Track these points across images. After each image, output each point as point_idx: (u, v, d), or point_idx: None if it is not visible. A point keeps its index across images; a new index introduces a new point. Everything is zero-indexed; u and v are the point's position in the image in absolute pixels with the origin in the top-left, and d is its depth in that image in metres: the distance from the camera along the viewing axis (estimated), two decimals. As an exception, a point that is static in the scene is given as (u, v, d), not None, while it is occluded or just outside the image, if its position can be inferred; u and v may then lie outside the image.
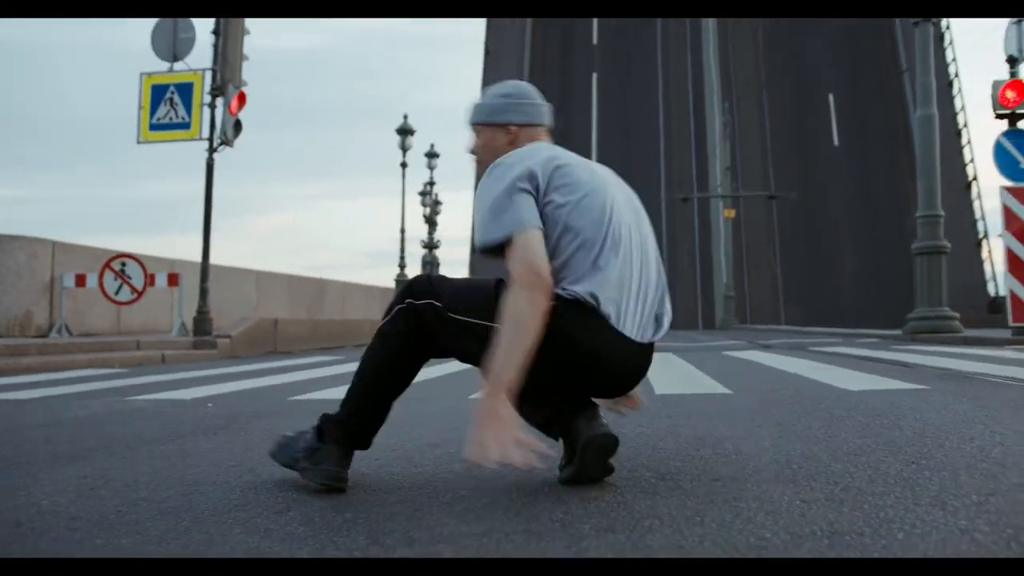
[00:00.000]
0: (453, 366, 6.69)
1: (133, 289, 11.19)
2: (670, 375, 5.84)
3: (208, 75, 11.92)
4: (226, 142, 11.88)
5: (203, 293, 11.27)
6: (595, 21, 37.17)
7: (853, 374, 5.57)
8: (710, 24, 35.81)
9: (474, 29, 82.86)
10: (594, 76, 37.83)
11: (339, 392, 4.94)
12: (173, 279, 11.58)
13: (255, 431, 3.36)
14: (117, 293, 11.20)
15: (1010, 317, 9.66)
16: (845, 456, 2.43)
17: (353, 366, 2.25)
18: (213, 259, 11.71)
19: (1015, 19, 11.02)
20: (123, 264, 11.24)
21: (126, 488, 2.19)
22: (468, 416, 2.16)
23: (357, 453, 2.17)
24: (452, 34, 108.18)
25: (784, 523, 1.68)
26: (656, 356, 2.28)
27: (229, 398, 4.84)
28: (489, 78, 38.78)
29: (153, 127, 11.87)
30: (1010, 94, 10.14)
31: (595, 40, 38.86)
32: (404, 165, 22.60)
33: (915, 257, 12.29)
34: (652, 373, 5.94)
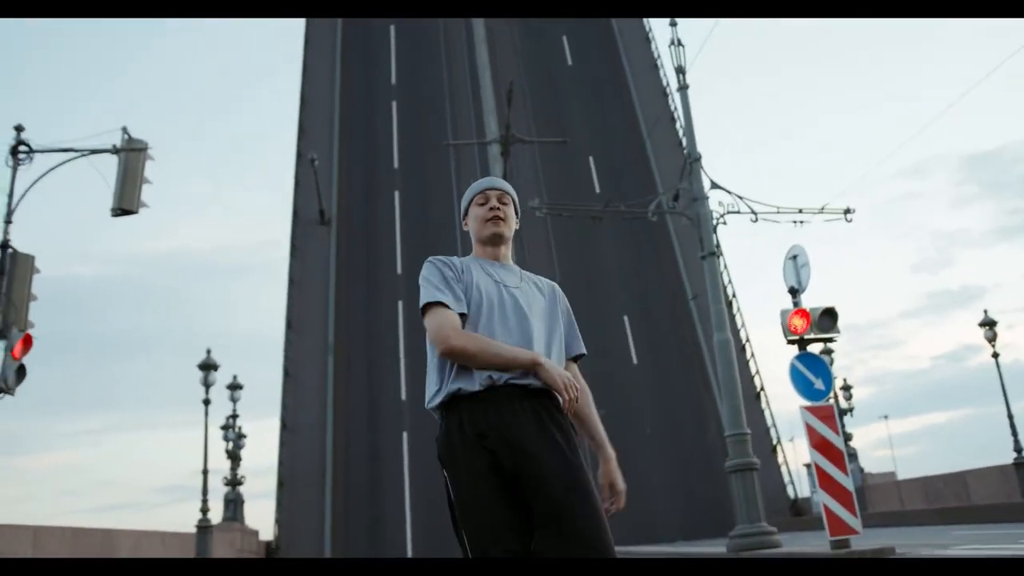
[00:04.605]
0: None
1: None
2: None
3: (-12, 314, 10.95)
4: (6, 390, 10.75)
5: (-32, 566, 9.69)
6: (396, 193, 37.10)
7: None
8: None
9: (279, 256, 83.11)
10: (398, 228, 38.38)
11: None
12: (-70, 551, 9.94)
13: None
14: None
15: (827, 531, 9.97)
16: None
17: None
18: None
19: (791, 255, 12.20)
20: None
21: None
22: None
23: None
24: (258, 263, 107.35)
25: None
26: None
27: None
28: (294, 303, 38.33)
29: (-84, 373, 10.60)
30: (798, 322, 10.97)
31: (397, 212, 39.14)
32: (207, 402, 21.29)
33: (729, 475, 12.71)
34: None
